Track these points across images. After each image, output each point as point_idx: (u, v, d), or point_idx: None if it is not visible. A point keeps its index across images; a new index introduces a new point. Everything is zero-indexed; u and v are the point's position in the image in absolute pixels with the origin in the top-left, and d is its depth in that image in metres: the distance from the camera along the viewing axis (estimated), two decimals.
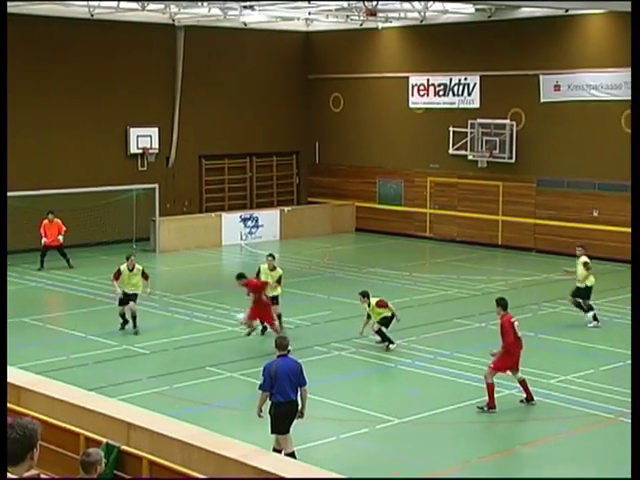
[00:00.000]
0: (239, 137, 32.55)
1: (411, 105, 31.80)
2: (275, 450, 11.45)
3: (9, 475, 4.40)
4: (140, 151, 30.35)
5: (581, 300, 19.52)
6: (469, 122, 29.89)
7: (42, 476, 8.29)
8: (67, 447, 9.54)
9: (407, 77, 31.77)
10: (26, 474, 5.33)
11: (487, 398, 14.20)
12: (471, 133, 29.92)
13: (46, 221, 25.52)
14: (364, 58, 32.71)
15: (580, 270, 19.45)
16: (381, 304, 17.69)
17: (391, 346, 17.63)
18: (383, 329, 17.69)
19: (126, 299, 18.81)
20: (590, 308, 19.44)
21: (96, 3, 26.79)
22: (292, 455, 11.42)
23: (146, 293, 19.16)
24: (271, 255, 19.37)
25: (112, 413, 9.77)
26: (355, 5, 26.91)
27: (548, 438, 13.35)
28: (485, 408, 14.17)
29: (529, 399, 14.54)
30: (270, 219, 31.46)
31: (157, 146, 30.63)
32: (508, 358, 14.27)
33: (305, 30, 33.43)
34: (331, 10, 28.58)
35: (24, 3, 26.20)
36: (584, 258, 19.51)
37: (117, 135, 29.91)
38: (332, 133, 33.85)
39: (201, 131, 31.59)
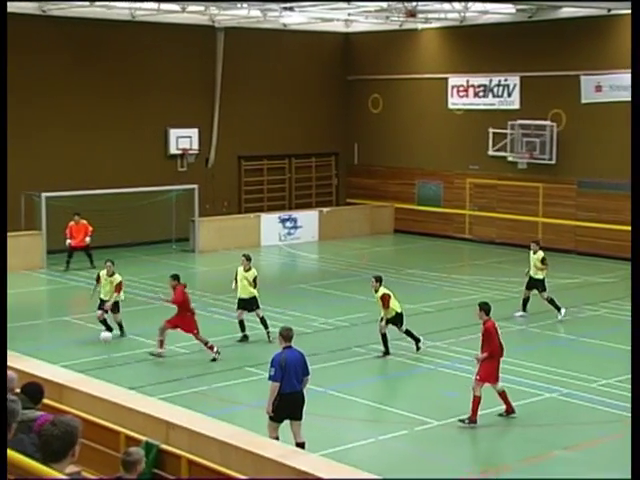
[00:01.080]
0: (278, 138, 32.63)
1: (450, 106, 31.66)
2: (275, 438, 11.57)
3: (56, 474, 4.45)
4: (180, 152, 30.54)
5: (537, 291, 20.36)
6: (509, 123, 29.68)
7: (83, 474, 8.40)
8: (108, 445, 9.62)
9: (446, 78, 31.63)
10: (67, 471, 5.39)
11: (470, 411, 13.52)
12: (511, 134, 29.71)
13: (72, 222, 25.59)
14: (403, 59, 32.62)
15: (537, 264, 20.35)
16: (385, 300, 16.95)
17: (387, 356, 17.13)
18: (406, 328, 17.27)
19: (103, 305, 18.57)
20: (525, 302, 20.49)
21: (137, 5, 27.01)
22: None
23: (108, 304, 18.44)
24: (245, 255, 18.80)
25: (152, 412, 9.83)
26: (395, 6, 26.86)
27: (589, 442, 13.21)
28: (466, 421, 13.50)
29: (509, 411, 13.92)
30: (309, 220, 31.49)
31: (197, 147, 30.80)
32: (491, 365, 13.72)
33: (344, 31, 33.43)
34: (371, 11, 28.54)
35: (67, 5, 26.49)
36: (541, 254, 20.45)
37: (157, 136, 30.13)
38: (371, 134, 33.80)
39: (240, 132, 31.70)
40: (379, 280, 17.33)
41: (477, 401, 13.57)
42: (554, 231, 29.13)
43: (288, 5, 25.45)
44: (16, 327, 18.95)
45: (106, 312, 18.41)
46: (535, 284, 20.46)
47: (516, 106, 29.88)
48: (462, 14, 29.66)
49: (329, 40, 33.41)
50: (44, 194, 25.93)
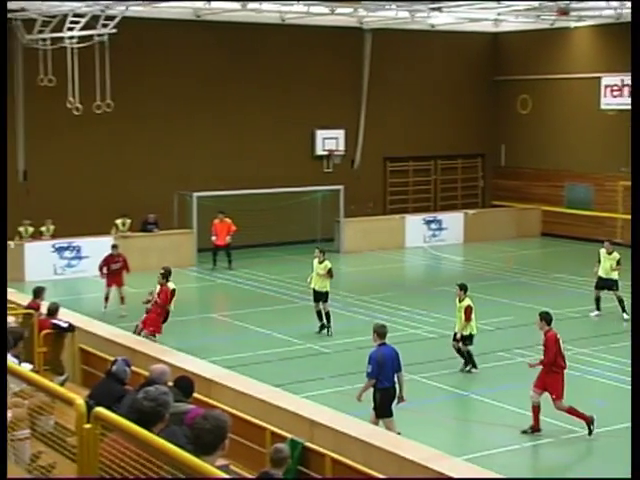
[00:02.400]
0: (424, 139, 32.49)
1: (603, 106, 30.70)
2: (398, 433, 11.78)
3: (208, 467, 4.58)
4: (326, 153, 30.85)
5: (607, 290, 20.54)
6: None
7: (231, 467, 8.63)
8: (254, 440, 9.83)
9: (599, 77, 30.70)
10: (217, 464, 5.52)
11: (532, 420, 13.37)
12: None
13: (217, 220, 26.00)
14: (554, 58, 31.86)
15: (610, 265, 20.44)
16: (468, 312, 16.16)
17: (474, 370, 16.31)
18: (469, 348, 16.33)
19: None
20: (598, 301, 20.67)
21: (287, 8, 27.45)
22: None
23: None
24: (318, 248, 19.47)
25: (297, 410, 9.99)
26: (547, 4, 26.26)
27: None
28: (529, 431, 13.34)
29: (588, 426, 13.31)
30: (454, 222, 31.21)
31: (343, 148, 31.03)
32: (551, 376, 13.40)
33: (493, 31, 32.95)
34: (521, 10, 27.99)
35: (220, 10, 27.22)
36: (617, 255, 20.53)
37: (304, 137, 30.53)
38: (519, 135, 33.19)
39: (386, 133, 31.74)
40: (463, 288, 16.50)
41: (536, 410, 13.39)
42: None
43: (436, 6, 25.29)
44: (168, 322, 19.62)
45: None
46: (608, 284, 20.49)
47: None
48: (618, 11, 28.69)
49: (477, 40, 33.01)
50: (195, 194, 26.72)
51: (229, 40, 28.87)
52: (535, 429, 13.42)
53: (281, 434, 9.65)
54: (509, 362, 17.11)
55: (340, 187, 29.35)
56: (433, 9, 25.92)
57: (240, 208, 27.06)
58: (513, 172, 33.52)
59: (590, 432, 13.33)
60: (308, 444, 9.42)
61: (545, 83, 32.17)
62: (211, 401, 10.41)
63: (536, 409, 13.45)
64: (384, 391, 12.27)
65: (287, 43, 29.71)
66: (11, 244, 24.15)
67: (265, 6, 26.54)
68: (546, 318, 13.68)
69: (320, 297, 19.02)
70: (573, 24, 30.44)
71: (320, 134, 30.63)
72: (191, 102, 28.51)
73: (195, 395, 9.28)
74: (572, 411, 13.43)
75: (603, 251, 20.74)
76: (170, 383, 8.66)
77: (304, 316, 20.32)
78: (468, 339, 16.36)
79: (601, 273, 20.55)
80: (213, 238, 26.02)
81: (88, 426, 5.18)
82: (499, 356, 17.34)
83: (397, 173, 32.79)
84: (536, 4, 26.34)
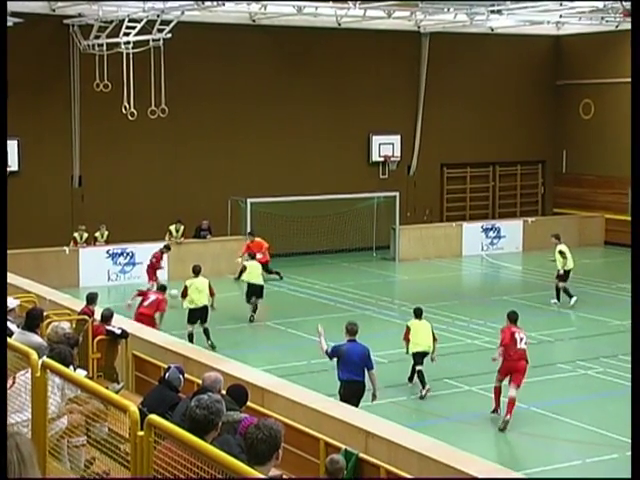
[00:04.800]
0: (482, 145, 32.00)
1: None
2: None
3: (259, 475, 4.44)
4: (382, 159, 30.54)
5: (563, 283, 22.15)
6: None
7: (284, 477, 8.39)
8: (307, 450, 9.62)
9: None
10: (270, 474, 5.36)
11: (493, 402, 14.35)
12: None
13: (248, 241, 24.32)
14: (618, 62, 31.11)
15: (557, 257, 22.26)
16: (405, 333, 15.66)
17: (424, 391, 15.32)
18: (422, 368, 15.50)
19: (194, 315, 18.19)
20: (566, 291, 22.25)
21: (343, 12, 27.24)
22: None
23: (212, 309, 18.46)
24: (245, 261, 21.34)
25: (351, 420, 9.79)
26: (612, 6, 25.61)
27: None
28: (497, 415, 14.15)
29: (493, 411, 14.32)
30: (513, 230, 30.65)
31: (399, 154, 30.69)
32: (506, 364, 14.16)
33: (555, 34, 32.38)
34: (584, 12, 27.37)
35: (276, 14, 27.14)
36: (560, 247, 22.40)
37: (359, 143, 30.27)
38: (581, 141, 32.53)
39: (443, 139, 31.30)
40: (416, 314, 15.89)
41: (497, 391, 14.38)
42: None
43: (496, 8, 24.83)
44: (222, 330, 19.47)
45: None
46: (564, 276, 22.18)
47: None
48: None
49: (538, 43, 32.44)
50: (249, 200, 26.59)
51: (285, 44, 28.74)
52: (495, 410, 14.29)
53: (335, 444, 9.40)
54: (570, 374, 16.63)
55: (396, 194, 29.00)
56: (493, 12, 25.48)
57: (294, 214, 26.90)
58: (575, 179, 32.85)
59: (493, 411, 14.26)
60: (362, 455, 9.17)
61: (608, 87, 31.46)
62: (264, 410, 10.20)
63: (497, 390, 14.37)
64: (344, 383, 12.79)
65: (343, 47, 29.47)
66: (66, 250, 24.28)
67: (321, 10, 26.40)
68: (511, 317, 14.48)
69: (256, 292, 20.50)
70: None
71: (376, 140, 30.34)
72: (245, 107, 28.42)
73: (248, 404, 9.05)
74: (496, 392, 14.32)
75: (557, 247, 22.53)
76: (223, 391, 8.46)
77: (359, 325, 20.03)
78: (419, 359, 15.61)
79: (570, 266, 22.35)
80: (238, 259, 23.31)
81: (141, 433, 5.17)
82: (559, 368, 16.87)
83: (454, 180, 32.34)
84: (601, 5, 25.71)
